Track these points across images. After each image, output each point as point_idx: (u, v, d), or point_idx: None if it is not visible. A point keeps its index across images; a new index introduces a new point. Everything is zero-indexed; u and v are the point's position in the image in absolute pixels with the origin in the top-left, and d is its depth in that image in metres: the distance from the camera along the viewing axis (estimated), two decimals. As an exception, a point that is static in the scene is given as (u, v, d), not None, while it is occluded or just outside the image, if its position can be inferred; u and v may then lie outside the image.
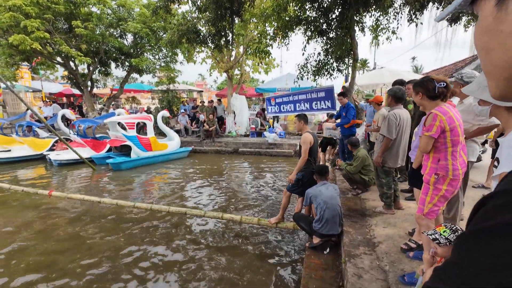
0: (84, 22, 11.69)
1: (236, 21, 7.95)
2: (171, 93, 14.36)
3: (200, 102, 13.47)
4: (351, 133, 5.54)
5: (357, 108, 6.83)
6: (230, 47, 9.81)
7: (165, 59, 14.76)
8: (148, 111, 14.63)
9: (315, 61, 7.35)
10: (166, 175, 7.79)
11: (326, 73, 7.35)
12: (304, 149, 3.51)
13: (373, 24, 6.96)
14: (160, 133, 10.19)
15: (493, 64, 0.35)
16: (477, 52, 0.37)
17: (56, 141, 9.45)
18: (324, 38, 7.05)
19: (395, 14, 6.55)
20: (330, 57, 7.08)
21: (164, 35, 12.36)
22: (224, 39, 8.10)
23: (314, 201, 3.16)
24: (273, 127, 11.79)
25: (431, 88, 2.10)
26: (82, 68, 14.43)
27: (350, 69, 7.10)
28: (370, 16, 6.75)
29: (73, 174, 7.61)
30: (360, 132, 6.11)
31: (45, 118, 11.55)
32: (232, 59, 12.75)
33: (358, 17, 6.63)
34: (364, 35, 7.11)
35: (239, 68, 13.16)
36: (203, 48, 12.36)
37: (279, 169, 8.19)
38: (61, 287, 2.97)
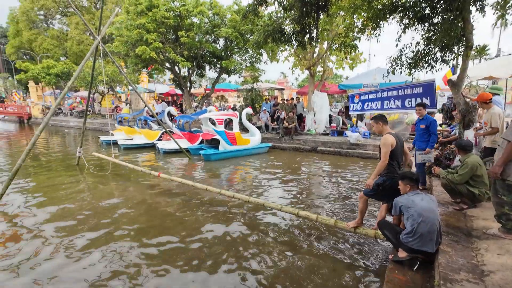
0: (186, 32, 13.69)
1: (321, 16, 7.69)
2: (255, 92, 15.22)
3: (281, 100, 13.78)
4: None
5: (469, 106, 5.63)
6: (314, 44, 9.62)
7: (250, 60, 15.75)
8: (234, 108, 15.95)
9: (412, 52, 6.34)
10: (247, 168, 8.37)
11: (426, 65, 6.27)
12: (384, 152, 3.15)
13: (499, 0, 5.48)
14: (243, 129, 10.98)
15: None
16: None
17: (162, 133, 11.49)
18: (426, 24, 6.03)
19: (535, -17, 5.01)
20: (432, 46, 6.01)
21: (251, 37, 13.17)
22: (308, 36, 8.01)
23: (405, 211, 2.80)
24: (356, 126, 10.98)
25: None
26: (184, 72, 16.95)
27: (459, 58, 5.86)
28: (495, -9, 5.35)
29: (174, 161, 9.11)
30: (469, 136, 5.05)
31: (156, 113, 14.18)
32: (315, 55, 12.47)
33: (476, -6, 5.37)
34: (483, 15, 5.64)
35: (321, 65, 12.76)
36: (286, 47, 12.53)
37: (361, 171, 7.60)
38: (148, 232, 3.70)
